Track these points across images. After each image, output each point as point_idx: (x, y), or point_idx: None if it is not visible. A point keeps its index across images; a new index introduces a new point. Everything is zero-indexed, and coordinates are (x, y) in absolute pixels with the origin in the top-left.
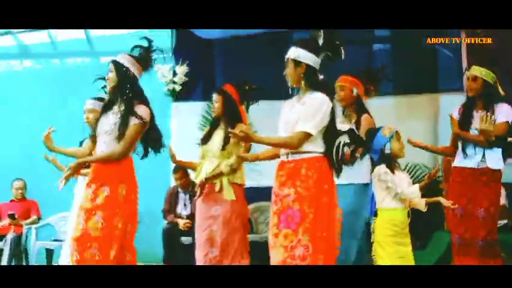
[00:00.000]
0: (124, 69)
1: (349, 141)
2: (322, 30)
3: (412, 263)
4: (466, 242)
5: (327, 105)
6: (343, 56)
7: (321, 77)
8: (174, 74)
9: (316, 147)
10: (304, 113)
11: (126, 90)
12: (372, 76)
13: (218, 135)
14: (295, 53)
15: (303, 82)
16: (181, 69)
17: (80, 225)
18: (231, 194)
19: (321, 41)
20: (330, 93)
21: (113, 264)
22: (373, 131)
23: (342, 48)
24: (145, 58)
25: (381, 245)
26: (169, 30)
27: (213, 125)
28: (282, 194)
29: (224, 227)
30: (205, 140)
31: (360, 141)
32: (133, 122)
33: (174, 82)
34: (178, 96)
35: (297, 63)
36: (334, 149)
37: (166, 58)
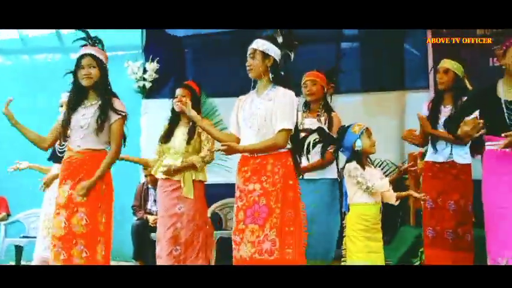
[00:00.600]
0: (104, 65)
1: (319, 139)
2: (279, 30)
3: (382, 258)
4: (437, 234)
5: (296, 101)
6: (292, 56)
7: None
8: (144, 71)
9: (276, 144)
10: (281, 111)
11: (107, 86)
12: (331, 74)
13: (181, 131)
14: (264, 45)
15: (268, 75)
16: (152, 67)
17: (62, 224)
18: (190, 192)
19: (280, 40)
20: (291, 89)
21: (104, 264)
22: (343, 129)
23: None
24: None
25: (351, 239)
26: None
27: (173, 121)
28: (247, 189)
29: (188, 225)
30: (167, 137)
31: (330, 139)
32: (115, 118)
33: (144, 79)
34: (148, 93)
35: (265, 55)
36: (305, 147)
37: (136, 55)
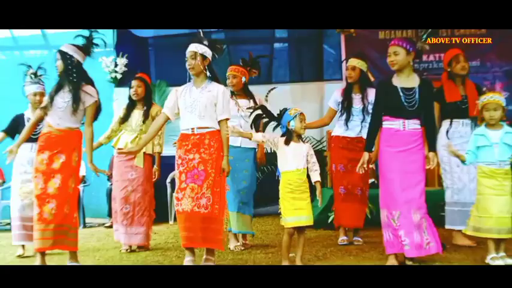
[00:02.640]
0: (68, 56)
1: (262, 114)
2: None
3: (307, 213)
4: (348, 192)
5: (228, 94)
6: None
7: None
8: (116, 65)
9: (215, 124)
10: (220, 104)
11: (73, 74)
12: (253, 63)
13: (137, 114)
14: (203, 49)
15: (205, 72)
16: (122, 61)
17: (39, 185)
18: (141, 163)
19: (206, 43)
20: (222, 83)
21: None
22: (283, 110)
23: (221, 48)
24: (87, 46)
25: (283, 199)
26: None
27: (129, 106)
28: (188, 158)
29: (137, 189)
30: (125, 118)
31: (271, 116)
32: (89, 102)
33: (116, 71)
34: (119, 83)
35: (204, 57)
36: (252, 120)
37: (109, 52)
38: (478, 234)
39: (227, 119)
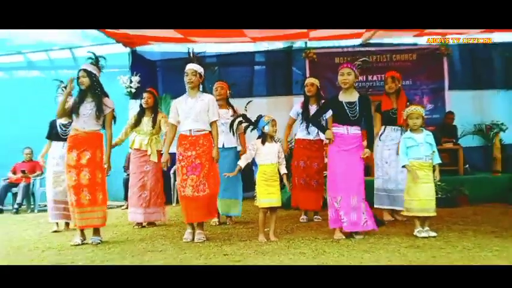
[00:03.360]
0: (93, 74)
1: (243, 120)
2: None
3: (279, 197)
4: (306, 183)
5: (216, 102)
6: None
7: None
8: (131, 82)
9: (207, 127)
10: (211, 109)
11: (97, 89)
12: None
13: (147, 120)
14: (200, 69)
15: (199, 87)
16: (135, 79)
17: (73, 178)
18: (155, 158)
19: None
20: (210, 93)
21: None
22: (259, 116)
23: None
24: (98, 65)
25: (258, 185)
26: (127, 52)
27: (140, 113)
28: (187, 154)
29: (152, 178)
30: (137, 123)
31: (250, 121)
32: (108, 110)
33: (131, 87)
34: (133, 96)
35: (200, 75)
36: (235, 124)
37: (125, 72)
38: (409, 214)
39: (217, 120)
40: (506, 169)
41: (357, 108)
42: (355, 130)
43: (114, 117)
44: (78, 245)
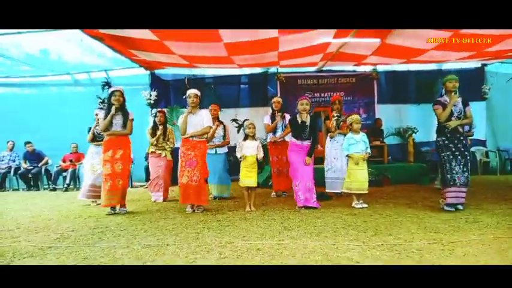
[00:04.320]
0: (123, 94)
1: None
2: (187, 80)
3: (255, 179)
4: (280, 171)
5: (209, 113)
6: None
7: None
8: (150, 95)
9: (206, 132)
10: (206, 119)
11: (125, 106)
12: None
13: (160, 134)
14: (197, 92)
15: (198, 105)
16: (154, 93)
17: (109, 168)
18: (169, 155)
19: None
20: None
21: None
22: (244, 121)
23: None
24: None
25: (241, 170)
26: (148, 74)
27: (154, 128)
28: (187, 153)
29: (165, 171)
30: (154, 134)
31: (239, 124)
32: (130, 119)
33: (150, 99)
34: (152, 106)
35: (200, 98)
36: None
37: (146, 88)
38: (349, 191)
39: (210, 126)
40: (417, 160)
41: (308, 128)
42: (306, 142)
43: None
44: (111, 214)
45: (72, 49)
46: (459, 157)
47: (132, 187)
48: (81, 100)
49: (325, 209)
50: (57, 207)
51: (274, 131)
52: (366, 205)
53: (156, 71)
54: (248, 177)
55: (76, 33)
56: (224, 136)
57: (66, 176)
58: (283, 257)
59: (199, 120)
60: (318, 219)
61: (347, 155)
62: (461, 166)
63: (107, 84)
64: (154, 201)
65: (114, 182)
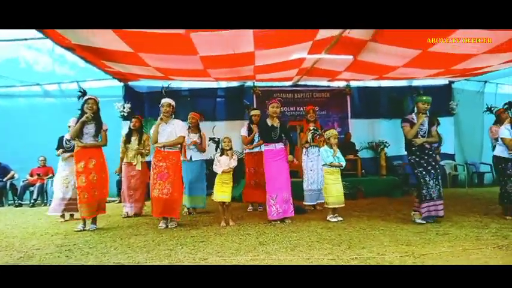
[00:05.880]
0: (96, 103)
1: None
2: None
3: (229, 194)
4: (256, 183)
5: (185, 125)
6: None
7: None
8: (123, 107)
9: (177, 146)
10: (178, 129)
11: (99, 115)
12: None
13: (134, 139)
14: (173, 102)
15: (171, 115)
16: (127, 106)
17: (84, 179)
18: (140, 167)
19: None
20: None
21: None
22: (218, 139)
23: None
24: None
25: (216, 185)
26: (121, 85)
27: (128, 134)
28: (159, 165)
29: (137, 182)
30: (127, 142)
31: (217, 141)
32: (104, 129)
33: (123, 111)
34: (125, 118)
35: (172, 106)
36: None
37: (119, 100)
38: (327, 206)
39: (183, 136)
40: (389, 173)
41: (278, 131)
42: (279, 146)
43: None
44: (80, 231)
45: (43, 59)
46: (432, 171)
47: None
48: (51, 112)
49: (300, 223)
50: (22, 224)
51: (251, 143)
52: (340, 218)
53: (130, 83)
54: (222, 192)
55: (46, 43)
56: (200, 144)
57: (33, 191)
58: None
59: (171, 129)
60: (294, 233)
61: (326, 164)
62: (434, 180)
63: (83, 93)
64: (126, 216)
65: (91, 194)
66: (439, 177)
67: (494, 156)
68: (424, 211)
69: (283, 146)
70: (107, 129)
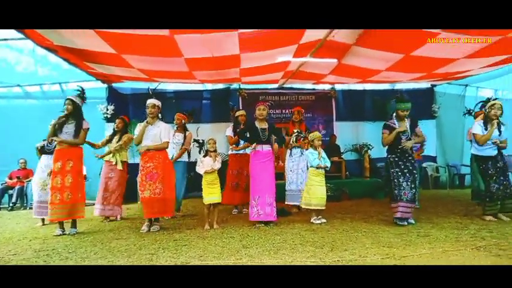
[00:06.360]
0: (75, 104)
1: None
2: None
3: (219, 195)
4: (238, 185)
5: (170, 128)
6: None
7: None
8: (107, 109)
9: (163, 147)
10: (164, 132)
11: (77, 114)
12: (191, 113)
13: (115, 139)
14: (159, 102)
15: (157, 116)
16: (111, 107)
17: (59, 181)
18: (120, 166)
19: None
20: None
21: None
22: (202, 141)
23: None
24: (82, 97)
25: (203, 187)
26: (105, 87)
27: (111, 135)
28: (146, 165)
29: (115, 183)
30: (110, 141)
31: (200, 143)
32: (83, 128)
33: (107, 113)
34: (108, 120)
35: (157, 107)
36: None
37: (103, 101)
38: (308, 207)
39: (168, 141)
40: (373, 175)
41: (267, 132)
42: (267, 148)
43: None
44: (59, 235)
45: (24, 59)
46: (407, 174)
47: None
48: (32, 113)
49: (284, 225)
50: (0, 228)
51: (237, 144)
52: (324, 220)
53: (114, 85)
54: (211, 193)
55: (28, 43)
56: (183, 144)
57: (12, 194)
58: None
59: (156, 132)
60: (277, 236)
61: (312, 166)
62: (408, 183)
63: (82, 91)
64: (106, 219)
65: (63, 196)
66: (416, 181)
67: (473, 155)
68: (395, 211)
69: (270, 149)
70: (87, 129)
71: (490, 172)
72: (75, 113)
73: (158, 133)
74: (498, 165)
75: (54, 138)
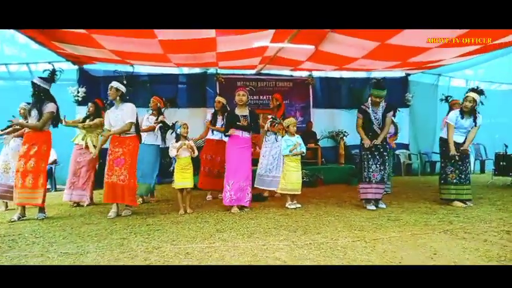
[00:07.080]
0: (37, 86)
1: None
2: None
3: (191, 180)
4: (210, 170)
5: (135, 108)
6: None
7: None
8: (78, 92)
9: (133, 130)
10: (126, 113)
11: (40, 97)
12: (171, 100)
13: (88, 122)
14: (116, 84)
15: (118, 98)
16: (82, 90)
17: (22, 165)
18: (92, 149)
19: (125, 82)
20: (132, 102)
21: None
22: (175, 122)
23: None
24: (51, 78)
25: (176, 172)
26: (76, 68)
27: (84, 118)
28: (115, 150)
29: (84, 168)
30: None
31: (169, 126)
32: (46, 111)
33: (78, 96)
34: (79, 103)
35: (117, 90)
36: (159, 128)
37: (74, 83)
38: (284, 192)
39: (132, 122)
40: (347, 161)
41: (248, 119)
42: (246, 134)
43: (55, 119)
44: (15, 221)
45: None
46: (377, 156)
47: (56, 190)
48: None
49: (259, 210)
50: None
51: (212, 131)
52: (299, 205)
53: (85, 66)
54: (183, 178)
55: None
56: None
57: None
58: (213, 260)
59: (118, 114)
60: (252, 220)
61: (285, 155)
62: (378, 165)
63: (52, 72)
64: (75, 204)
65: (24, 180)
66: (385, 163)
67: (440, 138)
68: (362, 192)
69: (249, 136)
70: (51, 112)
71: (450, 155)
72: (37, 96)
73: (120, 116)
74: (459, 151)
75: (13, 120)
